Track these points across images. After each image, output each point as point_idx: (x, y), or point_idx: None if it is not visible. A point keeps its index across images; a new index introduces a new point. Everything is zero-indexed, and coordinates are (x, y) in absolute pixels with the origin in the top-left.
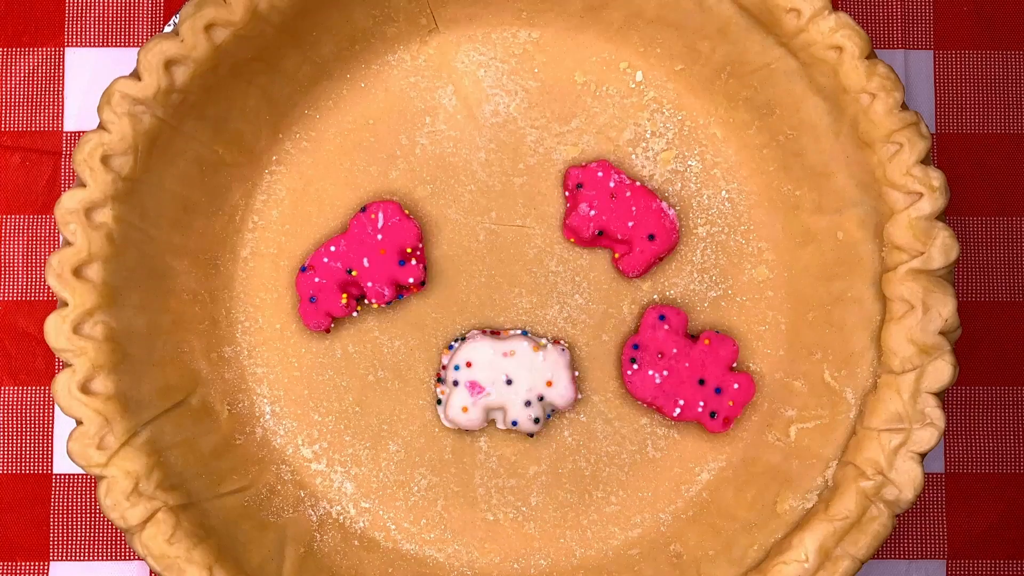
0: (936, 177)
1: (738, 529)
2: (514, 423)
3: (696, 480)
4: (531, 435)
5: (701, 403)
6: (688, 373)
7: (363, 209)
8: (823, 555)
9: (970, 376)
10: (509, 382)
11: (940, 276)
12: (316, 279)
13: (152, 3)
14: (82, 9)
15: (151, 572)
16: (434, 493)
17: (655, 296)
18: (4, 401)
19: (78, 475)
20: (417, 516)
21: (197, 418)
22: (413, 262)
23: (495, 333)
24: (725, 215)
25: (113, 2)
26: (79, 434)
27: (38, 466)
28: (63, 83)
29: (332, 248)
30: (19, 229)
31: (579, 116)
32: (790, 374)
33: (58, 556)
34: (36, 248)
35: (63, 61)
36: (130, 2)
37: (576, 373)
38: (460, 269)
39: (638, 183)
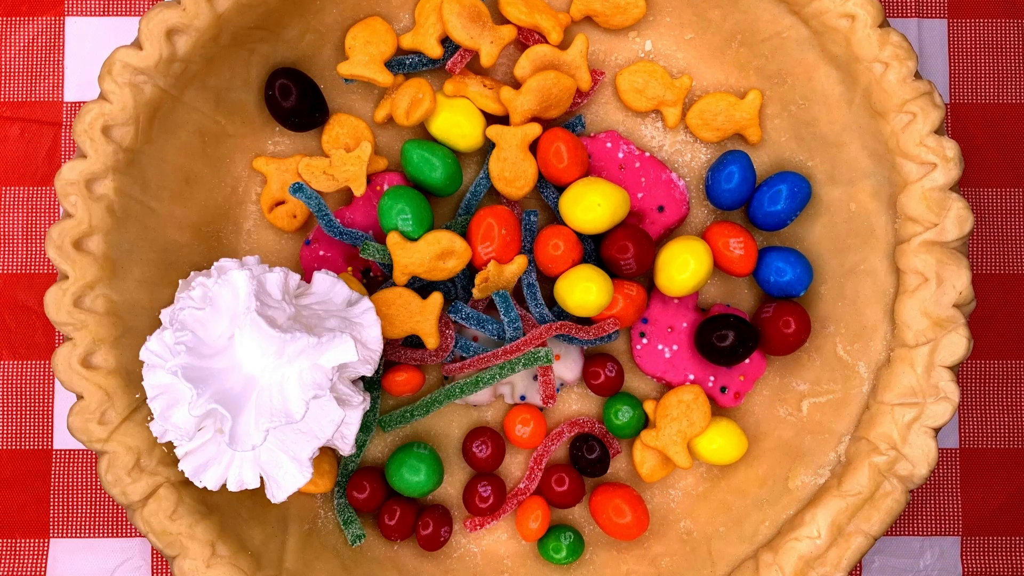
0: (950, 147)
1: (749, 505)
2: (522, 397)
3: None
4: (541, 409)
5: (712, 377)
6: None
7: (368, 180)
8: (835, 531)
9: (985, 350)
10: None
11: (954, 248)
12: (321, 252)
13: None
14: None
15: (152, 549)
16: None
17: None
18: (4, 376)
19: (79, 451)
20: None
21: None
22: None
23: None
24: None
25: None
26: (80, 409)
27: (38, 442)
28: (63, 53)
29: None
30: (19, 201)
31: None
32: (802, 348)
33: (58, 533)
34: (36, 220)
35: (63, 30)
36: None
37: (585, 347)
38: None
39: (648, 154)
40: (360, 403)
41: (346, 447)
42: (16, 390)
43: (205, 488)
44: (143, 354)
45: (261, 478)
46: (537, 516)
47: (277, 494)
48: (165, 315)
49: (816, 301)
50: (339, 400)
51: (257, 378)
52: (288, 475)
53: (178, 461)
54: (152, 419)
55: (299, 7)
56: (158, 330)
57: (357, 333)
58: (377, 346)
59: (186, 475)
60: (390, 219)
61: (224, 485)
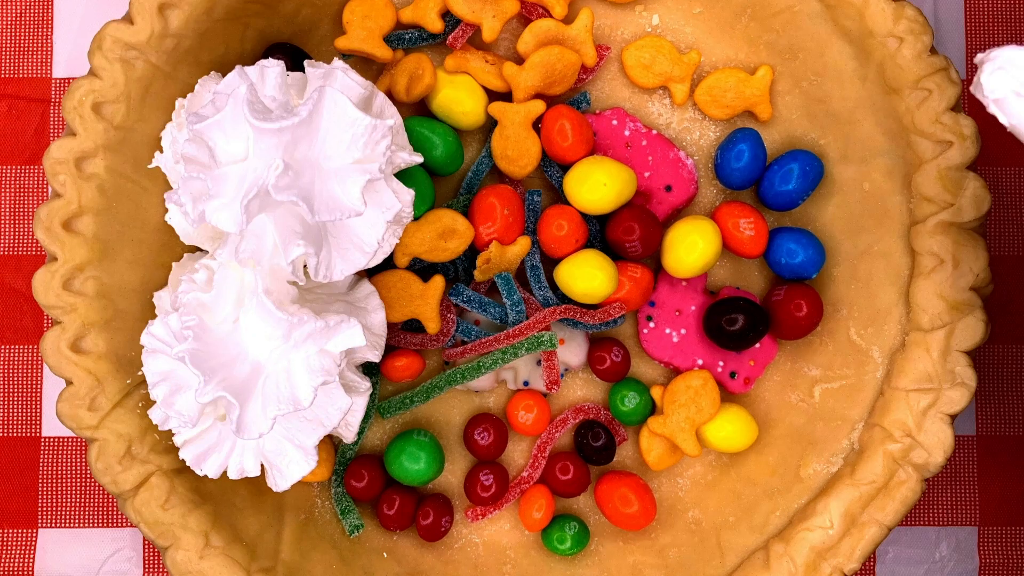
0: (967, 125)
1: (759, 495)
2: (525, 383)
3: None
4: (545, 395)
5: (721, 363)
6: None
7: None
8: (849, 521)
9: (1003, 334)
10: None
11: (971, 229)
12: None
13: None
14: None
15: (144, 539)
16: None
17: None
18: None
19: (68, 438)
20: None
21: None
22: None
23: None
24: None
25: None
26: (69, 395)
27: (26, 429)
28: (52, 27)
29: None
30: (6, 180)
31: None
32: (814, 332)
33: (47, 523)
34: (24, 200)
35: (52, 4)
36: None
37: (590, 331)
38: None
39: (655, 132)
40: (366, 390)
41: (350, 434)
42: (3, 376)
43: (199, 477)
44: (144, 339)
45: (261, 466)
46: (541, 505)
47: (280, 483)
48: (159, 297)
49: (828, 283)
50: (346, 387)
51: (263, 364)
52: (293, 463)
53: (170, 449)
54: (144, 404)
55: None
56: (161, 314)
57: (362, 318)
58: (382, 331)
59: (187, 463)
60: None
61: (224, 473)
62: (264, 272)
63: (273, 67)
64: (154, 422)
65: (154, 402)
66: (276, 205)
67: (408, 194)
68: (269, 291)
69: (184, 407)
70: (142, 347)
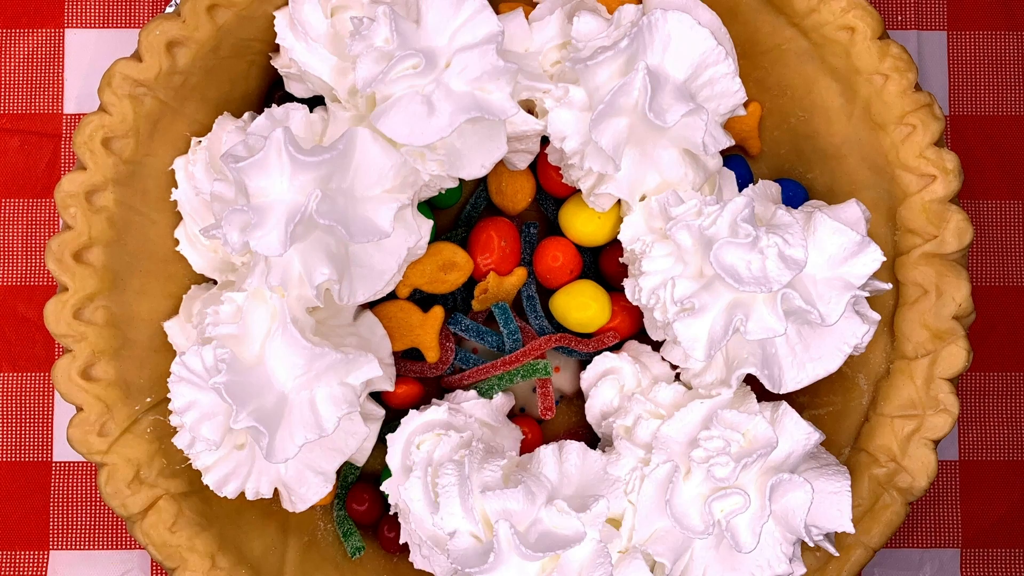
0: (950, 159)
1: None
2: (521, 410)
3: None
4: (540, 421)
5: None
6: None
7: None
8: (835, 543)
9: (984, 362)
10: None
11: (954, 260)
12: None
13: None
14: None
15: (152, 561)
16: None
17: None
18: (3, 388)
19: (78, 463)
20: None
21: None
22: None
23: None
24: None
25: None
26: (79, 421)
27: (38, 454)
28: (63, 65)
29: None
30: (18, 213)
31: None
32: None
33: (58, 545)
34: (35, 232)
35: (63, 42)
36: None
37: (585, 359)
38: None
39: None
40: (380, 417)
41: (362, 458)
42: (16, 402)
43: (205, 500)
44: (174, 367)
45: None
46: None
47: (298, 505)
48: (170, 327)
49: None
50: (363, 415)
51: (288, 395)
52: (311, 488)
53: (178, 473)
54: (152, 430)
55: None
56: (176, 343)
57: (371, 348)
58: (390, 360)
59: (210, 487)
60: None
61: (230, 497)
62: (291, 301)
63: (298, 109)
64: (179, 447)
65: (166, 428)
66: (312, 231)
67: (427, 224)
68: (296, 319)
69: (210, 432)
70: (171, 374)
